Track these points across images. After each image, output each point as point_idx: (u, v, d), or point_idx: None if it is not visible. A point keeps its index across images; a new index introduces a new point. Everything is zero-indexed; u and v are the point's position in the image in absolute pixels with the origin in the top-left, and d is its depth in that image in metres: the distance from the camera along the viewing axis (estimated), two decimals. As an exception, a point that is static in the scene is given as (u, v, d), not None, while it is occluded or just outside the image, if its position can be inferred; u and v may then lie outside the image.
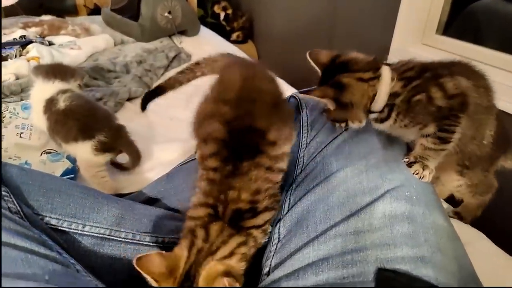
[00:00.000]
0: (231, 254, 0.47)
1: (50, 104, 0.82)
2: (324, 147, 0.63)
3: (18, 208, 0.49)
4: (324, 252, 0.48)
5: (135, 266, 0.43)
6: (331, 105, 0.57)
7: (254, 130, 0.54)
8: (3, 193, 0.49)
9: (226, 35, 2.32)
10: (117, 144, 0.84)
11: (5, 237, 0.42)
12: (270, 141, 0.55)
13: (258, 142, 0.54)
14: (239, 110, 0.56)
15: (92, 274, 0.49)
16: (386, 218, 0.49)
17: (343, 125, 0.59)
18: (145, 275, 0.44)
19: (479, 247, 0.75)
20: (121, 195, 0.79)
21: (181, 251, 0.47)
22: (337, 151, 0.60)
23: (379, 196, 0.51)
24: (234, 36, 2.47)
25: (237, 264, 0.47)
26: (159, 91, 0.86)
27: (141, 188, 0.82)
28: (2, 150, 0.86)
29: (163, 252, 0.46)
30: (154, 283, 0.44)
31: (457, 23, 1.39)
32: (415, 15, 1.35)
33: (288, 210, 0.59)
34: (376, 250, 0.46)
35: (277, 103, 0.61)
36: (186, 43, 1.86)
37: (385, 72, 0.56)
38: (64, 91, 0.85)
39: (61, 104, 0.81)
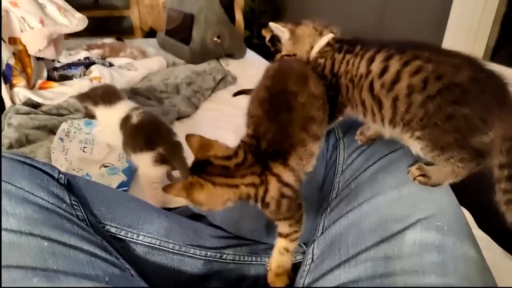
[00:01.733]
0: (236, 186, 0.55)
1: (126, 120, 0.93)
2: (359, 174, 0.66)
3: (85, 216, 0.56)
4: (354, 275, 0.51)
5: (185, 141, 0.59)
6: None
7: (287, 92, 0.61)
8: (73, 202, 0.56)
9: (271, 56, 2.40)
10: (172, 158, 0.92)
11: (74, 241, 0.49)
12: (300, 102, 0.60)
13: (291, 100, 0.60)
14: (275, 79, 0.64)
15: (143, 279, 0.55)
16: (416, 246, 0.51)
17: None
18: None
19: None
20: (167, 209, 0.86)
21: (219, 150, 0.57)
22: (371, 179, 0.63)
23: (410, 225, 0.53)
24: (279, 57, 2.54)
25: (229, 193, 0.55)
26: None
27: (185, 203, 0.88)
28: (67, 163, 0.96)
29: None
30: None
31: (508, 49, 1.36)
32: (461, 38, 1.33)
33: (322, 232, 0.62)
34: (405, 276, 0.48)
35: (306, 77, 0.64)
36: (232, 66, 1.96)
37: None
38: (136, 108, 0.96)
39: (134, 119, 0.92)
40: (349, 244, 0.55)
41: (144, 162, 0.89)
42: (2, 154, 0.56)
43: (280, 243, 0.63)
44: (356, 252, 0.53)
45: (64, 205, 0.54)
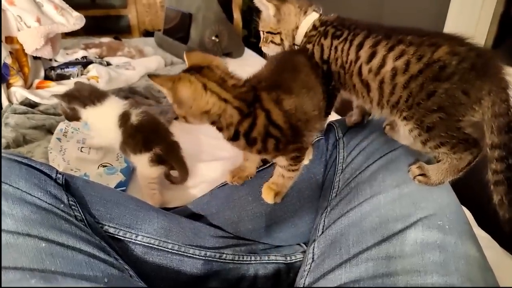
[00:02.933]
0: (225, 101, 0.54)
1: (125, 118, 0.91)
2: (359, 173, 0.65)
3: (83, 216, 0.56)
4: (355, 274, 0.50)
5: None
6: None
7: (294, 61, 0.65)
8: (71, 202, 0.56)
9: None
10: (170, 158, 0.91)
11: (72, 242, 0.48)
12: (305, 71, 0.64)
13: (297, 65, 0.63)
14: (283, 55, 0.70)
15: (142, 279, 0.55)
16: (417, 245, 0.50)
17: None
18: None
19: None
20: (166, 209, 0.85)
21: (222, 65, 0.58)
22: (371, 178, 0.63)
23: (411, 224, 0.53)
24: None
25: (214, 104, 0.54)
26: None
27: (185, 203, 0.88)
28: (65, 163, 0.95)
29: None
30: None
31: (506, 48, 1.36)
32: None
33: (323, 232, 0.61)
34: (406, 276, 0.47)
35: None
36: (230, 65, 1.93)
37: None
38: (130, 105, 0.95)
39: (134, 118, 0.91)
40: (350, 244, 0.55)
41: (142, 162, 0.89)
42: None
43: (277, 169, 0.64)
44: (357, 251, 0.53)
45: (62, 205, 0.53)
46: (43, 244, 0.45)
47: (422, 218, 0.53)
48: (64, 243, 0.47)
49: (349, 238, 0.56)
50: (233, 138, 0.57)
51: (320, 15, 0.71)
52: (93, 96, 0.94)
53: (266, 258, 0.69)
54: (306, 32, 0.70)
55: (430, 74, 0.54)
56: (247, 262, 0.67)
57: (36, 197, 0.51)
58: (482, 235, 0.88)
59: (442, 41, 0.55)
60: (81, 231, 0.52)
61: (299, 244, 0.75)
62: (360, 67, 0.61)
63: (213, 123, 0.57)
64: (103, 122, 0.93)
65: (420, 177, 0.59)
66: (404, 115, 0.58)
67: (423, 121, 0.56)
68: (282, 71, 0.61)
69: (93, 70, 1.60)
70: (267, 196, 0.67)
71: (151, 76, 0.55)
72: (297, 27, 0.71)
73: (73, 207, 0.55)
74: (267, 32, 0.75)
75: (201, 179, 1.01)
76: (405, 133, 0.60)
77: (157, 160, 0.88)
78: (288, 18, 0.72)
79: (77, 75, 1.60)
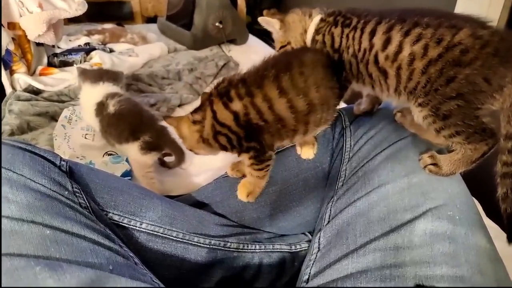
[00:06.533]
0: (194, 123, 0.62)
1: (101, 107, 0.92)
2: (366, 162, 0.64)
3: (87, 203, 0.55)
4: (362, 265, 0.50)
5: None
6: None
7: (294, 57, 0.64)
8: (75, 189, 0.55)
9: (273, 41, 2.37)
10: (161, 142, 0.91)
11: (77, 229, 0.48)
12: (300, 70, 0.61)
13: (292, 63, 0.61)
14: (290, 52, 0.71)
15: (146, 267, 0.54)
16: (426, 236, 0.50)
17: None
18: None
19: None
20: (170, 197, 0.85)
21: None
22: (379, 167, 0.62)
23: (420, 214, 0.52)
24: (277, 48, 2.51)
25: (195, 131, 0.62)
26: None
27: (188, 191, 0.87)
28: (70, 150, 0.95)
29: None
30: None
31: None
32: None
33: (329, 221, 0.61)
34: (415, 267, 0.47)
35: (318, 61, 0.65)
36: (234, 52, 1.93)
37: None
38: (112, 95, 0.94)
39: (111, 108, 0.90)
40: (357, 234, 0.54)
41: (132, 152, 0.88)
42: (3, 141, 0.54)
43: (246, 168, 0.66)
44: (364, 241, 0.52)
45: (66, 192, 0.53)
46: (48, 231, 0.45)
47: (432, 208, 0.52)
48: (68, 230, 0.47)
49: (356, 228, 0.55)
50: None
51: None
52: (96, 74, 0.95)
53: (271, 246, 0.69)
54: (315, 28, 0.68)
55: (450, 59, 0.51)
56: (252, 250, 0.67)
57: (40, 184, 0.51)
58: (491, 226, 0.87)
59: (462, 23, 0.52)
60: (86, 218, 0.51)
61: (304, 234, 0.75)
62: (376, 55, 0.58)
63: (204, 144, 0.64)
64: (84, 103, 0.96)
65: (431, 167, 0.58)
66: (419, 101, 0.55)
67: (440, 108, 0.53)
68: (263, 70, 0.60)
69: (96, 56, 1.58)
70: (241, 194, 0.67)
71: (164, 117, 0.68)
72: (305, 31, 0.70)
73: (77, 194, 0.55)
74: (280, 48, 0.74)
75: (205, 167, 1.00)
76: (418, 119, 0.58)
77: (148, 148, 0.88)
78: (293, 26, 0.71)
79: (80, 62, 1.59)
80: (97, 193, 0.59)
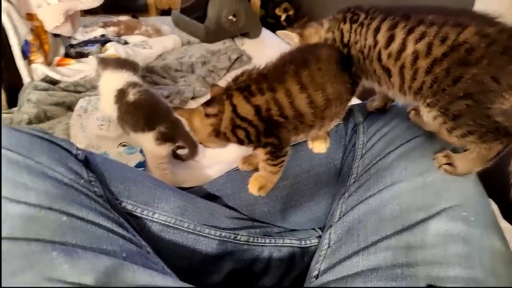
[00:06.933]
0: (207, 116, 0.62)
1: (121, 94, 0.93)
2: (379, 160, 0.64)
3: (102, 192, 0.57)
4: (373, 262, 0.50)
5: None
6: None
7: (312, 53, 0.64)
8: (90, 178, 0.57)
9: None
10: (175, 134, 0.92)
11: (92, 216, 0.49)
12: (318, 66, 0.61)
13: (309, 59, 0.62)
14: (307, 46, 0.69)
15: (158, 256, 0.55)
16: (440, 236, 0.49)
17: None
18: None
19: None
20: (182, 189, 0.86)
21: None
22: (392, 165, 0.61)
23: (434, 214, 0.51)
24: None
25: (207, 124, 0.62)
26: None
27: (200, 183, 0.88)
28: (86, 140, 0.97)
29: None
30: None
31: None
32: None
33: (339, 218, 0.61)
34: (427, 267, 0.46)
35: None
36: (247, 45, 1.92)
37: None
38: (133, 84, 0.95)
39: (131, 96, 0.91)
40: (368, 231, 0.54)
41: (147, 142, 0.89)
42: (22, 129, 0.56)
43: (260, 162, 0.66)
44: (376, 239, 0.52)
45: (82, 181, 0.54)
46: (64, 218, 0.46)
47: (446, 208, 0.51)
48: (84, 217, 0.48)
49: (367, 225, 0.55)
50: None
51: None
52: (116, 62, 0.97)
53: (281, 241, 0.69)
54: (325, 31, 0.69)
55: (456, 58, 0.50)
56: (262, 244, 0.67)
57: (57, 172, 0.52)
58: (507, 227, 0.86)
59: (468, 20, 0.51)
60: (101, 206, 0.52)
61: (314, 229, 0.75)
62: (379, 53, 0.58)
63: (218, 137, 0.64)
64: (104, 90, 0.97)
65: (446, 166, 0.57)
66: (427, 101, 0.54)
67: (449, 109, 0.52)
68: (282, 66, 0.61)
69: (112, 48, 1.59)
70: (252, 188, 0.68)
71: (174, 108, 0.71)
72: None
73: (92, 183, 0.56)
74: None
75: (217, 160, 1.00)
76: (428, 120, 0.57)
77: (163, 139, 0.89)
78: (311, 38, 0.71)
79: (96, 53, 1.61)
80: (112, 183, 0.60)
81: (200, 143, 0.67)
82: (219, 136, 0.63)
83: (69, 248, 0.43)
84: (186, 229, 0.62)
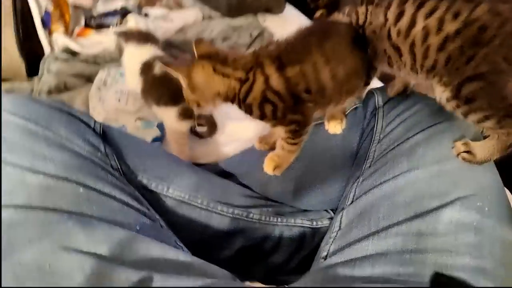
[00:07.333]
0: (228, 76, 0.57)
1: (147, 67, 0.92)
2: (397, 145, 0.63)
3: (118, 166, 0.58)
4: (382, 247, 0.50)
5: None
6: None
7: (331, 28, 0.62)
8: (107, 151, 0.57)
9: (309, 12, 2.29)
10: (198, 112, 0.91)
11: (108, 189, 0.50)
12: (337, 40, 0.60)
13: (330, 32, 0.60)
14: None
15: (171, 230, 0.57)
16: (452, 224, 0.49)
17: None
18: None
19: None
20: (197, 165, 0.87)
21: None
22: (410, 152, 0.60)
23: (448, 202, 0.51)
24: (318, 14, 2.42)
25: (220, 84, 0.58)
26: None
27: (216, 159, 0.89)
28: (105, 112, 0.98)
29: None
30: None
31: None
32: None
33: (352, 202, 0.61)
34: (436, 255, 0.46)
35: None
36: (269, 21, 1.87)
37: None
38: (160, 58, 0.94)
39: (157, 70, 0.91)
40: (380, 216, 0.54)
41: (169, 116, 0.89)
42: (42, 100, 0.57)
43: (278, 140, 0.64)
44: (387, 225, 0.52)
45: (99, 153, 0.55)
46: (81, 190, 0.47)
47: (461, 197, 0.51)
48: (100, 189, 0.49)
49: (379, 210, 0.55)
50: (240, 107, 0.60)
51: None
52: (139, 35, 0.96)
53: (292, 221, 0.70)
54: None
55: (469, 36, 0.47)
56: (273, 223, 0.68)
57: (75, 144, 0.53)
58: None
59: None
60: (116, 179, 0.54)
61: (326, 210, 0.75)
62: (389, 30, 0.55)
63: (226, 100, 0.60)
64: (129, 62, 0.96)
65: (465, 154, 0.56)
66: (444, 80, 0.52)
67: (461, 90, 0.50)
68: (305, 37, 0.59)
69: (132, 20, 1.59)
70: (267, 167, 0.66)
71: (164, 62, 0.62)
72: None
73: (109, 156, 0.57)
74: None
75: (233, 137, 1.00)
76: (442, 102, 0.55)
77: (185, 115, 0.89)
78: None
79: (116, 25, 1.60)
80: (128, 156, 0.61)
81: (194, 102, 0.62)
82: (234, 102, 0.59)
83: (85, 219, 0.45)
84: (199, 205, 0.63)
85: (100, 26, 1.58)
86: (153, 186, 0.61)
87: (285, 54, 0.56)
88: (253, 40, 1.60)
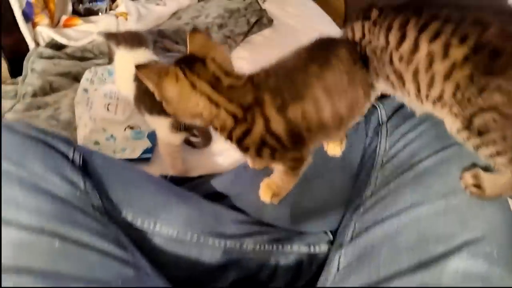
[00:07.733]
0: (217, 105, 0.50)
1: None
2: (401, 173, 0.58)
3: (100, 203, 0.54)
4: None
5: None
6: None
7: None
8: (87, 188, 0.53)
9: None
10: (191, 125, 0.86)
11: (87, 238, 0.46)
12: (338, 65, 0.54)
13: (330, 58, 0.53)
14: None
15: (159, 269, 0.53)
16: (458, 275, 0.45)
17: None
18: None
19: None
20: (189, 179, 0.83)
21: (221, 58, 0.52)
22: (414, 182, 0.56)
23: (454, 248, 0.47)
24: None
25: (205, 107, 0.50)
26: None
27: (209, 171, 0.85)
28: (92, 122, 0.92)
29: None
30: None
31: None
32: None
33: (352, 238, 0.57)
34: None
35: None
36: (269, 3, 1.77)
37: None
38: (154, 63, 0.87)
39: None
40: (380, 262, 0.50)
41: (162, 126, 0.84)
42: (16, 128, 0.52)
43: (276, 172, 0.60)
44: (388, 274, 0.48)
45: (78, 192, 0.51)
46: (57, 244, 0.44)
47: (468, 242, 0.47)
48: (78, 239, 0.46)
49: (380, 253, 0.51)
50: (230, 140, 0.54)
51: None
52: (132, 38, 0.89)
53: (289, 247, 0.66)
54: None
55: (479, 63, 0.43)
56: (268, 251, 0.65)
57: (51, 183, 0.49)
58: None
59: (490, 17, 0.43)
60: (97, 222, 0.50)
61: (324, 232, 0.71)
62: (391, 55, 0.50)
63: (209, 126, 0.54)
64: (123, 68, 0.89)
65: (473, 189, 0.51)
66: (454, 111, 0.47)
67: (472, 122, 0.46)
68: (305, 65, 0.52)
69: (122, 5, 1.50)
70: (264, 195, 0.62)
71: (137, 67, 0.52)
72: None
73: (90, 193, 0.53)
74: None
75: (226, 146, 0.96)
76: (452, 132, 0.50)
77: (179, 127, 0.83)
78: None
79: (106, 10, 1.52)
80: (111, 189, 0.57)
81: (171, 114, 0.55)
82: (222, 135, 0.54)
83: (61, 280, 0.41)
84: (189, 241, 0.59)
85: (89, 12, 1.50)
86: (139, 223, 0.57)
87: (286, 88, 0.51)
88: (251, 27, 1.52)
